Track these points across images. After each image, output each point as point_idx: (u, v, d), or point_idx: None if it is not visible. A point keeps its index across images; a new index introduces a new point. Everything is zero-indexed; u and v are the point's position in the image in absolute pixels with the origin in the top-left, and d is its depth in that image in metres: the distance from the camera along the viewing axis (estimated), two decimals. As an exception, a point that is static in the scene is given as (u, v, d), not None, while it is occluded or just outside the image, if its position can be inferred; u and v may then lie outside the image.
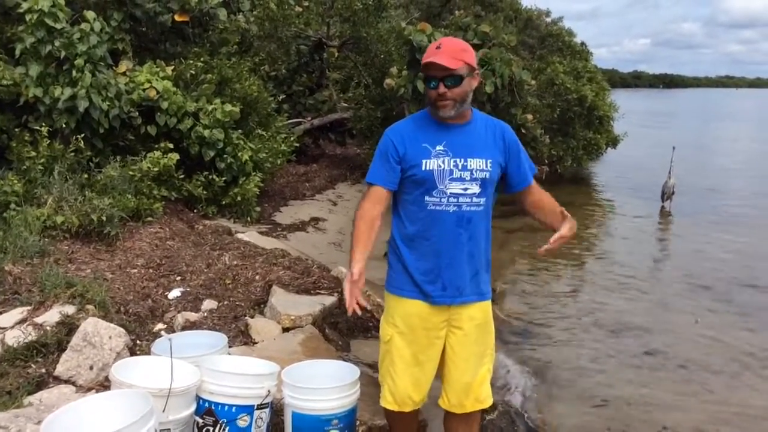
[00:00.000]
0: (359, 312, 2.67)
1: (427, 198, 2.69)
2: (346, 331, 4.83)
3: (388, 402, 2.86)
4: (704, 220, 10.49)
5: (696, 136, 25.97)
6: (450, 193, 2.67)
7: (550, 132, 12.01)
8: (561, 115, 12.40)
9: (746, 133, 30.33)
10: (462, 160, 2.68)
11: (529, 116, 10.06)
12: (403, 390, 2.81)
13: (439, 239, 2.71)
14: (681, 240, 9.31)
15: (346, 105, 12.41)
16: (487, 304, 2.88)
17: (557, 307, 6.15)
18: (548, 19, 17.12)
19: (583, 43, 16.61)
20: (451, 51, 2.61)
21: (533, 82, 10.46)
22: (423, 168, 2.66)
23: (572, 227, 2.77)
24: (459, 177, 2.67)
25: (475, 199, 2.71)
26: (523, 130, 9.49)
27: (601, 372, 4.81)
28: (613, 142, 14.07)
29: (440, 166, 2.66)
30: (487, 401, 2.91)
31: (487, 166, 2.71)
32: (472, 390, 2.83)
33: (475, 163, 2.69)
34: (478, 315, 2.83)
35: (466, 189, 2.68)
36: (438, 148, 2.68)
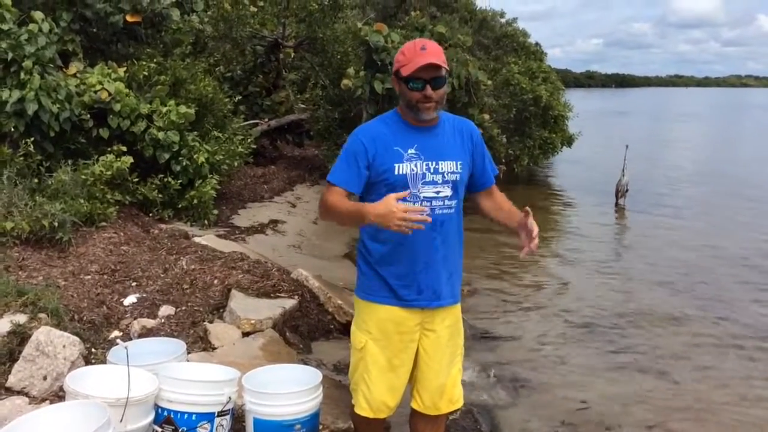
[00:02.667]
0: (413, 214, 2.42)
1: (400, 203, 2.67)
2: (307, 333, 4.82)
3: (363, 409, 2.82)
4: (658, 215, 10.75)
5: (648, 135, 26.58)
6: (423, 197, 2.64)
7: (507, 132, 12.16)
8: (517, 114, 12.56)
9: (696, 131, 31.17)
10: (434, 163, 2.66)
11: (486, 116, 10.17)
12: (378, 397, 2.78)
13: (413, 244, 2.67)
14: (637, 236, 9.52)
15: (303, 106, 12.35)
16: (458, 306, 2.88)
17: (520, 307, 6.21)
18: (503, 20, 17.30)
19: (537, 44, 16.86)
20: (435, 52, 2.59)
21: (489, 82, 10.57)
22: (396, 172, 2.62)
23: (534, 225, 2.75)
24: (431, 180, 2.65)
25: (447, 202, 2.69)
26: (480, 130, 9.57)
27: (567, 371, 4.86)
28: (568, 141, 14.31)
29: (413, 170, 2.63)
30: (460, 402, 2.91)
31: (457, 168, 2.70)
32: (446, 391, 2.83)
33: (446, 166, 2.68)
34: (450, 317, 2.83)
35: (438, 192, 2.67)
36: (410, 151, 2.64)
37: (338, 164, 2.70)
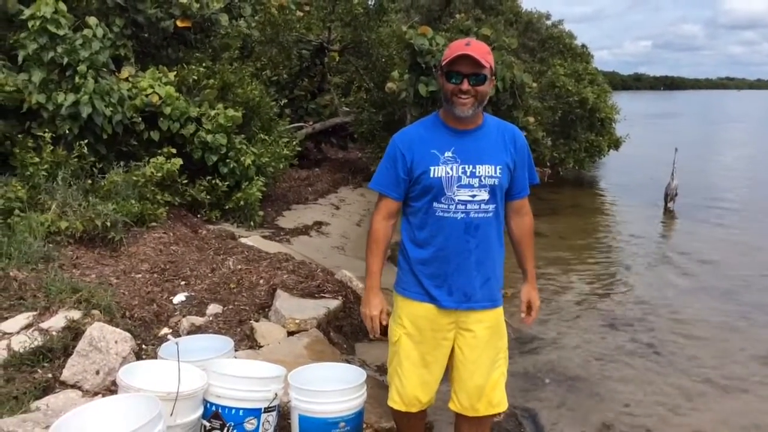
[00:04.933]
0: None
1: (435, 204, 2.67)
2: (350, 334, 4.84)
3: (395, 402, 2.86)
4: (708, 220, 10.49)
5: (698, 138, 25.98)
6: (458, 200, 2.64)
7: (552, 134, 12.06)
8: (562, 117, 12.43)
9: (748, 134, 30.34)
10: (470, 166, 2.65)
11: (531, 119, 10.10)
12: (410, 391, 2.81)
13: (446, 245, 2.69)
14: (687, 241, 9.29)
15: (347, 109, 12.45)
16: (499, 310, 2.85)
17: (564, 311, 6.14)
18: (549, 22, 17.18)
19: (583, 46, 16.66)
20: (479, 50, 2.60)
21: (534, 84, 10.48)
22: (431, 175, 2.64)
23: (533, 296, 2.91)
24: (467, 184, 2.64)
25: (483, 206, 2.68)
26: (524, 133, 9.49)
27: (610, 375, 4.79)
28: (615, 144, 14.08)
29: (448, 173, 2.64)
30: (501, 405, 2.87)
31: (496, 173, 2.67)
32: (485, 393, 2.81)
33: (484, 170, 2.66)
34: (488, 319, 2.80)
35: (474, 196, 2.65)
36: (447, 154, 2.65)
37: (379, 170, 2.78)
